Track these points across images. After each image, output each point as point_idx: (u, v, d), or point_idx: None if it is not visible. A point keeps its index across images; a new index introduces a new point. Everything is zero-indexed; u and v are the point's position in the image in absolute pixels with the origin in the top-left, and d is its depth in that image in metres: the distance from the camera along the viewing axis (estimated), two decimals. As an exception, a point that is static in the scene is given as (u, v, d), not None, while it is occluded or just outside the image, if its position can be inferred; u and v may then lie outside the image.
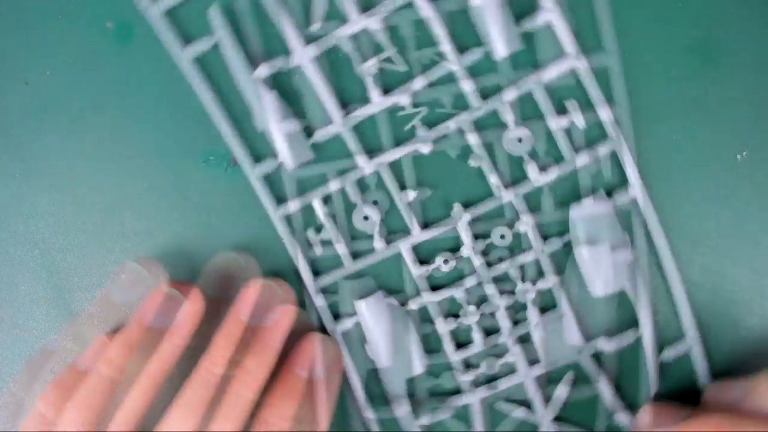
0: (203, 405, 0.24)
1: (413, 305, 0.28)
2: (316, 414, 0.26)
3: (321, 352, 0.27)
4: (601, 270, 0.27)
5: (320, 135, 0.28)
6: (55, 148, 0.28)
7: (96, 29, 0.27)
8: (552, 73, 0.27)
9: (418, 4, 0.27)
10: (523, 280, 0.28)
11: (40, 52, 0.27)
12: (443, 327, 0.28)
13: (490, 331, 0.28)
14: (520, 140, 0.28)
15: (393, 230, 0.28)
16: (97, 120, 0.28)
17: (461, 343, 0.28)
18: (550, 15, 0.27)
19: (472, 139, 0.28)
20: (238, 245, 0.28)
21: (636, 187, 0.28)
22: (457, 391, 0.29)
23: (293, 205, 0.28)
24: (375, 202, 0.28)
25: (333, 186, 0.28)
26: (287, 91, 0.27)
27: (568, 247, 0.28)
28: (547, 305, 0.28)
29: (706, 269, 0.28)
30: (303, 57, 0.27)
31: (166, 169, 0.28)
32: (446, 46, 0.27)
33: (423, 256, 0.28)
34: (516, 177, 0.28)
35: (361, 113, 0.27)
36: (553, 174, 0.28)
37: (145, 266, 0.27)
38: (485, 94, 0.27)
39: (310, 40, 0.27)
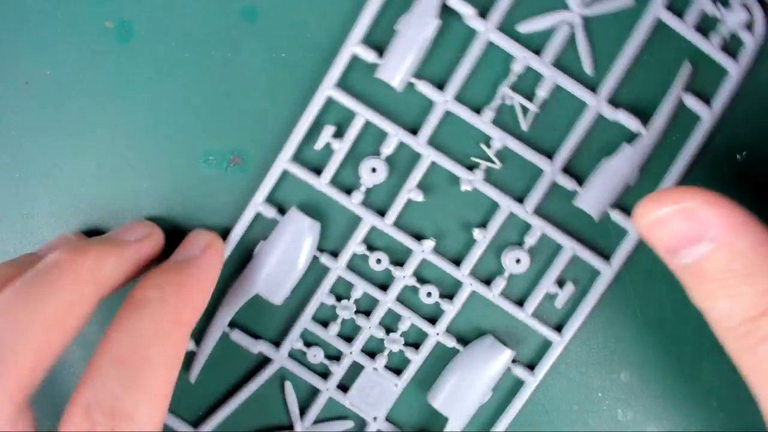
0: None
1: (325, 260, 0.28)
2: (183, 287, 0.25)
3: (194, 236, 0.27)
4: (454, 395, 0.28)
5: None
6: (55, 148, 0.28)
7: (96, 29, 0.27)
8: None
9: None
10: (402, 335, 0.29)
11: (40, 52, 0.27)
12: (326, 298, 0.28)
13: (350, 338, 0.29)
14: (518, 261, 0.28)
15: (371, 204, 0.28)
16: (97, 120, 0.28)
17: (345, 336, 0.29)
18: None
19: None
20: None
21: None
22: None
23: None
24: (373, 170, 0.28)
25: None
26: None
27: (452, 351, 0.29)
28: (398, 367, 0.29)
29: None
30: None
31: (166, 169, 0.28)
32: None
33: (371, 240, 0.28)
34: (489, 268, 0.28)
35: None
36: (524, 266, 0.28)
37: (77, 238, 0.27)
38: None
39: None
